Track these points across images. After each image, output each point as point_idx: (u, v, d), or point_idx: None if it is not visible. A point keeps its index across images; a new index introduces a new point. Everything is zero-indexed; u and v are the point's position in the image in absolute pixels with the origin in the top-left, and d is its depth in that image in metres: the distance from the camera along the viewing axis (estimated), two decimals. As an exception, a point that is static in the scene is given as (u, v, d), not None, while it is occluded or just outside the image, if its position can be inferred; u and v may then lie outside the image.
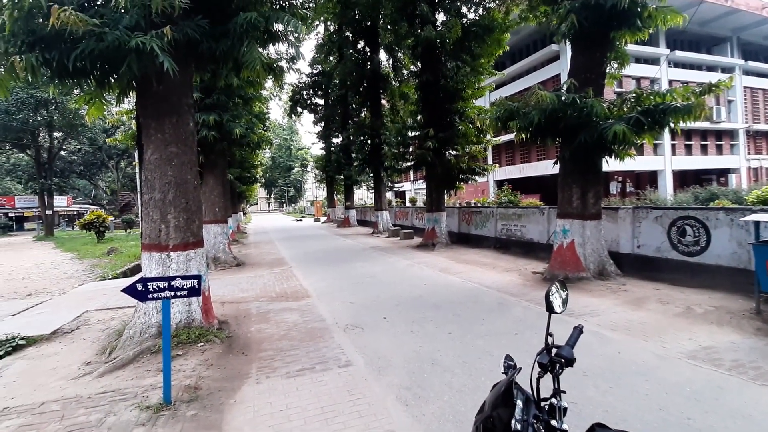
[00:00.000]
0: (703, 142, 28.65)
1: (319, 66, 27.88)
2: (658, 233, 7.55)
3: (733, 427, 2.78)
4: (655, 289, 6.64)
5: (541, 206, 11.61)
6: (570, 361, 1.45)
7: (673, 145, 27.23)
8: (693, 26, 28.26)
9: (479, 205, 16.34)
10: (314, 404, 3.38)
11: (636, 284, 7.06)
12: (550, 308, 1.66)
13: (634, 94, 7.74)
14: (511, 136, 9.45)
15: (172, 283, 3.82)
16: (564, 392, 1.42)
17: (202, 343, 4.85)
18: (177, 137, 5.23)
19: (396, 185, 42.99)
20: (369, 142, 22.07)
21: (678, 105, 6.72)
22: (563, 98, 7.21)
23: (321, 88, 29.34)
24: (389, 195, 40.08)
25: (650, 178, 27.47)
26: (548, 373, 1.46)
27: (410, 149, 16.71)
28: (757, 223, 5.33)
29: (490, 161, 29.66)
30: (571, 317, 5.34)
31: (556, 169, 8.45)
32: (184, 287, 3.85)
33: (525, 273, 8.49)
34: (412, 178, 42.59)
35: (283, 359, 4.38)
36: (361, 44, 21.36)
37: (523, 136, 8.26)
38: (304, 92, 30.01)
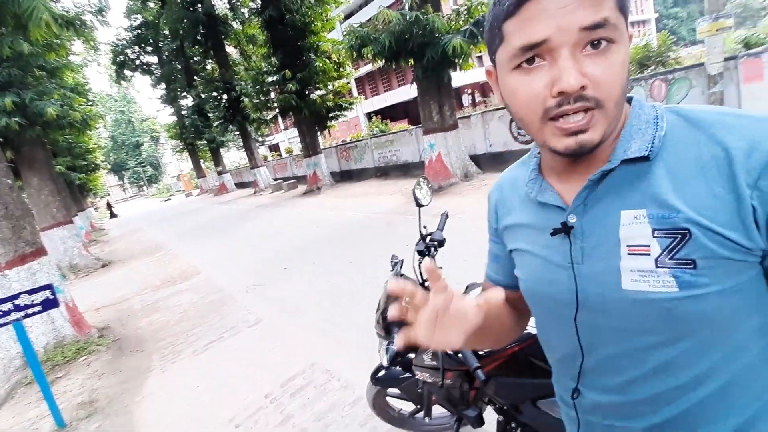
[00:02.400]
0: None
1: (139, 16, 23.29)
2: (502, 131, 8.72)
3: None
4: (508, 178, 7.83)
5: (409, 128, 12.27)
6: (441, 242, 1.67)
7: (507, 53, 30.48)
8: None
9: (355, 140, 16.55)
10: (233, 366, 3.36)
11: (493, 177, 8.21)
12: (418, 203, 1.83)
13: (465, 7, 8.28)
14: (371, 67, 9.51)
15: (17, 301, 3.19)
16: (441, 267, 1.64)
17: (85, 357, 4.29)
18: (-46, 129, 4.03)
19: (267, 138, 40.50)
20: (224, 96, 19.91)
21: (501, 12, 7.43)
22: (407, 16, 7.39)
23: (149, 42, 24.80)
24: (263, 150, 37.79)
25: (494, 86, 30.73)
26: (426, 256, 1.66)
27: (272, 96, 15.69)
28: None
29: (355, 95, 29.63)
30: (449, 218, 6.04)
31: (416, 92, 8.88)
32: (35, 302, 3.25)
33: (406, 192, 9.14)
34: (282, 128, 40.62)
35: (186, 341, 4.14)
36: (182, -18, 18.22)
37: (379, 62, 8.41)
38: (129, 51, 25.10)
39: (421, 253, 1.67)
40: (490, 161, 9.12)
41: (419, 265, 1.67)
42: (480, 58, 27.56)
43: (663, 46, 10.67)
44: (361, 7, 29.90)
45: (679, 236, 0.48)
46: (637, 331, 0.53)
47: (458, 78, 9.16)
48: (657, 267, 0.50)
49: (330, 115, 14.75)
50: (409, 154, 11.62)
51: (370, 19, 8.08)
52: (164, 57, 25.41)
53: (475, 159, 9.13)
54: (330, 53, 13.88)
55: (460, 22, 8.19)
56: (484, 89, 30.86)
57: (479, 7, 7.96)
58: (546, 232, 0.61)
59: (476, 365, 1.13)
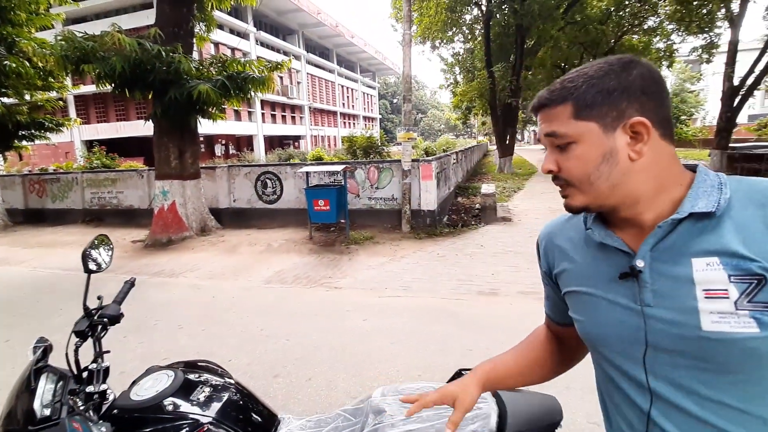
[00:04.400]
0: (283, 114, 35.44)
1: None
2: (248, 187, 8.75)
3: (288, 323, 3.73)
4: (247, 235, 7.73)
5: (140, 169, 10.56)
6: (115, 319, 1.35)
7: (263, 114, 31.98)
8: (272, 14, 33.33)
9: (59, 170, 12.83)
10: None
11: (233, 234, 7.92)
12: (88, 269, 1.46)
13: (221, 59, 8.20)
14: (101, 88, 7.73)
15: None
16: (107, 352, 1.31)
17: None
18: None
19: None
20: None
21: (255, 76, 7.71)
22: (148, 47, 6.60)
23: None
24: None
25: (248, 142, 31.33)
26: (90, 338, 1.31)
27: None
28: (308, 173, 7.23)
29: (73, 115, 23.61)
30: (172, 278, 5.32)
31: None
32: None
33: (124, 244, 7.55)
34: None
35: None
36: None
37: (108, 85, 7.07)
38: None
39: (81, 335, 1.31)
40: (232, 217, 8.81)
41: (76, 351, 1.30)
42: (237, 111, 27.73)
43: (381, 140, 13.70)
44: (98, 16, 25.19)
45: (756, 281, 0.53)
46: (717, 371, 0.56)
47: (213, 126, 8.83)
48: (737, 309, 0.54)
49: (22, 133, 11.01)
50: (135, 199, 9.85)
51: (102, 33, 6.75)
52: None
53: (217, 213, 8.63)
54: (32, 55, 10.63)
55: (213, 71, 7.98)
56: (239, 142, 30.79)
57: (234, 64, 8.00)
58: (609, 275, 0.66)
59: None
